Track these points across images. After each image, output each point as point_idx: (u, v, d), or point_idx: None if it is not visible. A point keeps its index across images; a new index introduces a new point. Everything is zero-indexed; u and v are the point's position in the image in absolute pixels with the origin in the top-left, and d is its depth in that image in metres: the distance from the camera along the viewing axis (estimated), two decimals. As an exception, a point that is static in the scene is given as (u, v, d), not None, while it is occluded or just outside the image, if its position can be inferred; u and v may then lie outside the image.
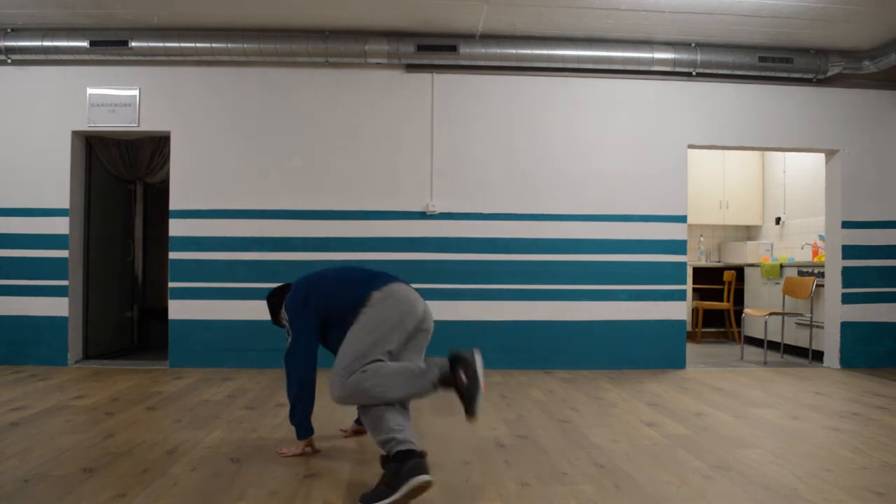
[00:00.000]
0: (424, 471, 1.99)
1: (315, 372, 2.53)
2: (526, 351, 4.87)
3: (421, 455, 2.04)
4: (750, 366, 5.23)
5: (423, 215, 4.90)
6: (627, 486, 2.27)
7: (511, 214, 4.93)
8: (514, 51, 4.74)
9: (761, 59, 4.83)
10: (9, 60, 4.73)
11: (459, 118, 4.95)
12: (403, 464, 2.00)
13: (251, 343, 4.75)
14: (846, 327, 5.10)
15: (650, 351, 4.95)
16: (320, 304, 2.50)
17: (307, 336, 2.49)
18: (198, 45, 4.61)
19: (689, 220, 5.21)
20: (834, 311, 5.17)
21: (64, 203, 4.80)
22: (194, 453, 2.61)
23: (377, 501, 1.97)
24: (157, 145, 5.39)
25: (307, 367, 2.50)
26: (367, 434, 2.91)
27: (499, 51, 4.73)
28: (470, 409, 2.24)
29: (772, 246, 7.04)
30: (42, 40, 4.59)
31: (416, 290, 2.59)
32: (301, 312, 2.50)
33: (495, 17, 4.45)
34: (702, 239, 7.40)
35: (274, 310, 2.74)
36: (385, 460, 2.11)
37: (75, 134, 4.87)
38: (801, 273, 5.70)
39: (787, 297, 5.71)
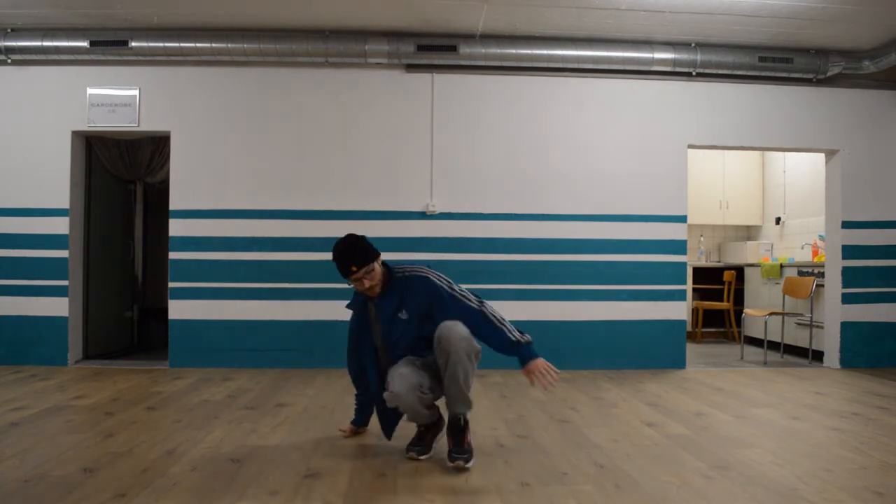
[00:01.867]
0: None
1: None
2: (526, 351, 4.86)
3: None
4: (750, 366, 5.23)
5: (423, 215, 4.90)
6: (627, 486, 2.27)
7: (511, 214, 4.93)
8: (514, 51, 4.74)
9: (761, 59, 4.83)
10: (9, 60, 4.73)
11: (459, 118, 4.95)
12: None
13: (251, 343, 4.75)
14: (846, 327, 5.10)
15: (650, 351, 4.95)
16: None
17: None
18: (198, 45, 4.61)
19: (689, 220, 5.20)
20: (834, 311, 5.17)
21: (64, 203, 4.80)
22: (194, 453, 2.61)
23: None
24: (157, 145, 5.39)
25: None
26: (365, 434, 2.93)
27: (499, 51, 4.73)
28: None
29: (772, 246, 7.04)
30: (42, 40, 4.59)
31: None
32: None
33: (495, 17, 4.45)
34: (702, 239, 7.39)
35: (368, 257, 2.75)
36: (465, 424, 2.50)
37: (75, 134, 4.87)
38: (801, 273, 5.69)
39: (787, 297, 5.71)
